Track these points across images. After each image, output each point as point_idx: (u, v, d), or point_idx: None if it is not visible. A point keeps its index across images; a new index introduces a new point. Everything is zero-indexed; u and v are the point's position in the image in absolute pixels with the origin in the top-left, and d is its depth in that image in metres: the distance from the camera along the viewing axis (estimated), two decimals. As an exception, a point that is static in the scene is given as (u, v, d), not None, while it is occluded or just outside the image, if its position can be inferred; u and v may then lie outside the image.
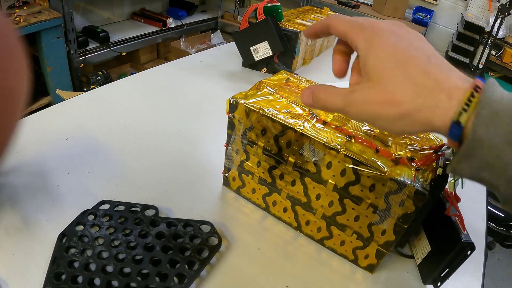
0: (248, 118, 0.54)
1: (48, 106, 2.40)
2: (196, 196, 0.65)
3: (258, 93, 0.57)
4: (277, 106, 0.54)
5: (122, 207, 0.58)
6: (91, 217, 0.55)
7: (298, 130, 0.49)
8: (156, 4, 3.55)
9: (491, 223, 1.57)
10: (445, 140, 0.33)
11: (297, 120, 0.51)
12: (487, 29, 2.52)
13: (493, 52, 2.45)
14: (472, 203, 0.79)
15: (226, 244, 0.57)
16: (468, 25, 2.42)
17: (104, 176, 0.66)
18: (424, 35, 2.86)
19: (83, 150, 0.72)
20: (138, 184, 0.65)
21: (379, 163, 0.47)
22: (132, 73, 3.14)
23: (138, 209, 0.58)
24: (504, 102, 0.28)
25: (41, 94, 2.34)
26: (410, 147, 0.51)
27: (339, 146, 0.48)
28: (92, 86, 2.42)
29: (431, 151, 0.50)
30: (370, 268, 0.57)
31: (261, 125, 0.53)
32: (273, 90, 0.58)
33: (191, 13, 3.55)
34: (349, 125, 0.52)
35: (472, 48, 2.48)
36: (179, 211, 0.61)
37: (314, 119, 0.53)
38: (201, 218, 0.59)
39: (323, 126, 0.51)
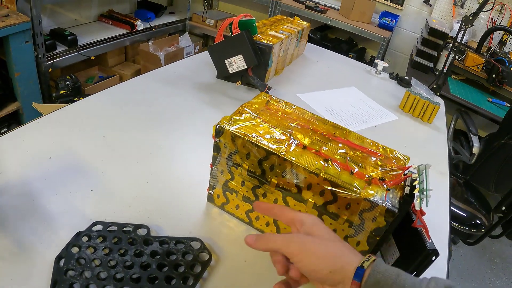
0: (233, 143, 0.58)
1: (16, 113, 2.33)
2: (183, 212, 0.68)
3: (241, 118, 0.61)
4: (260, 131, 0.58)
5: (114, 228, 0.61)
6: (85, 239, 0.58)
7: (281, 155, 0.54)
8: (124, 5, 3.52)
9: (454, 223, 1.68)
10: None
11: (280, 146, 0.56)
12: (451, 34, 2.64)
13: (456, 57, 2.57)
14: (436, 204, 0.85)
15: (215, 258, 0.61)
16: (433, 31, 2.52)
17: (92, 196, 0.69)
18: (390, 40, 2.96)
19: (68, 169, 0.74)
20: (127, 203, 0.68)
21: (354, 184, 0.52)
22: (100, 77, 3.10)
23: (130, 229, 0.61)
24: (386, 274, 0.42)
25: (9, 100, 2.29)
26: (380, 168, 0.56)
27: (318, 170, 0.53)
28: (61, 92, 2.39)
29: (400, 171, 0.56)
30: (346, 275, 0.62)
31: (246, 150, 0.57)
32: (255, 115, 0.63)
33: (159, 15, 3.54)
34: (326, 148, 0.58)
35: (436, 53, 2.59)
36: (169, 228, 0.64)
37: (295, 144, 0.57)
38: (190, 234, 0.63)
39: (303, 150, 0.56)
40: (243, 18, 1.14)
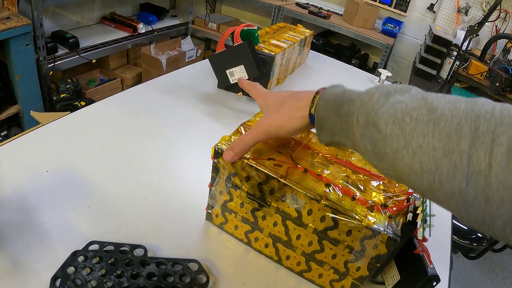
0: (233, 165, 0.57)
1: (16, 115, 2.32)
2: (181, 231, 0.67)
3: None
4: (260, 154, 0.57)
5: (111, 247, 0.60)
6: (81, 259, 0.57)
7: (281, 181, 0.53)
8: (126, 8, 3.51)
9: (455, 237, 1.66)
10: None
11: (280, 169, 0.55)
12: (455, 42, 2.63)
13: (460, 64, 2.56)
14: (437, 218, 0.84)
15: (213, 280, 0.60)
16: (436, 39, 2.51)
17: (89, 212, 0.68)
18: (393, 46, 2.96)
19: (65, 184, 0.73)
20: (124, 221, 0.67)
21: (356, 211, 0.51)
22: (101, 80, 3.10)
23: (127, 249, 0.60)
24: (334, 94, 0.48)
25: (9, 103, 2.29)
26: (383, 193, 0.55)
27: (319, 197, 0.51)
28: (62, 95, 2.39)
29: (403, 197, 0.55)
30: (346, 297, 0.61)
31: (246, 172, 0.56)
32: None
33: (162, 18, 3.53)
34: (327, 172, 0.56)
35: (439, 61, 2.58)
36: (166, 248, 0.63)
37: (296, 167, 0.56)
38: (188, 255, 0.62)
39: (304, 174, 0.55)
40: (245, 28, 1.13)
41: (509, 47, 2.67)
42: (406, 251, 0.59)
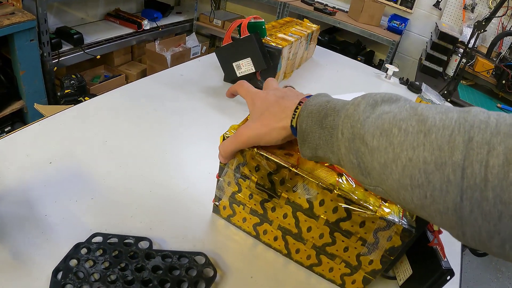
0: (242, 155, 0.55)
1: (21, 111, 2.31)
2: (187, 224, 0.66)
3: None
4: (270, 142, 0.55)
5: (115, 239, 0.58)
6: (84, 251, 0.56)
7: (292, 170, 0.51)
8: (131, 4, 3.51)
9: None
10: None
11: (291, 158, 0.53)
12: (461, 39, 2.60)
13: (466, 61, 2.53)
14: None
15: (220, 274, 0.58)
16: (442, 36, 2.49)
17: (92, 204, 0.66)
18: (399, 43, 2.93)
19: (68, 175, 0.72)
20: (129, 213, 0.65)
21: (369, 202, 0.49)
22: (106, 76, 3.09)
23: (131, 241, 0.58)
24: (317, 105, 0.45)
25: (13, 98, 2.28)
26: (397, 183, 0.53)
27: (332, 186, 0.50)
28: (66, 91, 2.37)
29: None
30: (357, 292, 0.60)
31: (255, 162, 0.54)
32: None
33: (166, 15, 3.52)
34: (339, 162, 0.55)
35: (445, 58, 2.55)
36: (172, 241, 0.61)
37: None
38: (194, 248, 0.61)
39: (315, 164, 0.53)
40: (252, 20, 1.11)
41: (515, 45, 2.64)
42: (418, 245, 0.57)
